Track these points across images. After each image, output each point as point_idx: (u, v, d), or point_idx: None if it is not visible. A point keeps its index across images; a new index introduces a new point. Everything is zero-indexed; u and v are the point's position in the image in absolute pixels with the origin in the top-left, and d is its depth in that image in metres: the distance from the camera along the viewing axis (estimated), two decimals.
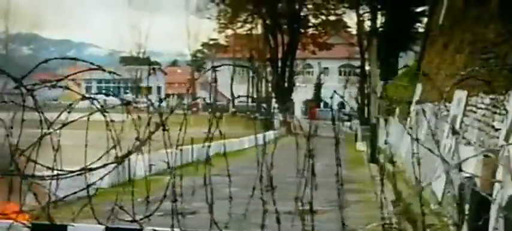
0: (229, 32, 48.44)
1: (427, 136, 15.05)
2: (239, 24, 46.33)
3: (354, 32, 55.31)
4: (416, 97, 19.14)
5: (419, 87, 19.10)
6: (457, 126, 11.08)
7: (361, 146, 29.08)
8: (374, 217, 11.50)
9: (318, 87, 64.65)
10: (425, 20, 40.58)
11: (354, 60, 54.67)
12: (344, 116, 63.27)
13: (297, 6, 43.59)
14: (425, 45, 20.44)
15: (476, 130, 9.45)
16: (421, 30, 39.80)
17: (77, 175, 4.27)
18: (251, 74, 61.43)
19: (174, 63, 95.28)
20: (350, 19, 52.89)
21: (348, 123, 54.23)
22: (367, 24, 43.81)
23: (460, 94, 11.49)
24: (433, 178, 12.49)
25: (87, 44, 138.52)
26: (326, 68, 65.42)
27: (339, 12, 44.86)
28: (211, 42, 74.99)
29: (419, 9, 38.32)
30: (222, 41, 56.12)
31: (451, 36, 14.74)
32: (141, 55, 72.87)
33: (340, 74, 68.20)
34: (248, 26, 46.71)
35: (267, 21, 42.75)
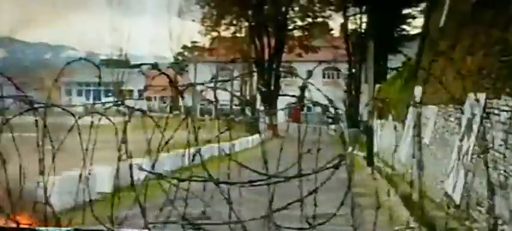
0: (214, 34, 47.98)
1: (434, 138, 14.97)
2: (224, 27, 46.00)
3: (337, 34, 55.57)
4: (415, 100, 19.07)
5: (418, 89, 19.02)
6: (475, 129, 10.96)
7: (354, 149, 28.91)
8: (390, 222, 11.39)
9: (302, 89, 64.50)
10: (414, 22, 40.97)
11: (337, 63, 54.87)
12: (328, 119, 63.50)
13: (283, 9, 43.44)
14: (422, 48, 20.39)
15: (501, 133, 9.33)
16: (411, 32, 40.14)
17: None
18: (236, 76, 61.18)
19: (155, 66, 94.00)
20: (333, 21, 53.09)
21: (333, 126, 54.30)
22: (353, 26, 44.01)
23: (476, 96, 11.37)
24: (447, 180, 12.41)
25: (65, 47, 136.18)
26: (309, 71, 65.37)
27: (325, 14, 44.85)
28: (190, 45, 74.59)
29: (406, 11, 38.60)
30: (207, 44, 55.74)
31: (457, 38, 14.65)
32: (122, 58, 72.03)
33: (323, 77, 68.33)
34: (233, 28, 46.45)
35: (253, 24, 42.53)
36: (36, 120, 4.05)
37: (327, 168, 3.67)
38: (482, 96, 10.88)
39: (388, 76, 35.60)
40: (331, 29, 52.18)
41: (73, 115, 4.37)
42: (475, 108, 11.32)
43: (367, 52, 22.92)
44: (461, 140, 11.78)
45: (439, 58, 16.66)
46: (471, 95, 11.60)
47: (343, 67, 54.32)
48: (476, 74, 12.13)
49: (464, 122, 11.91)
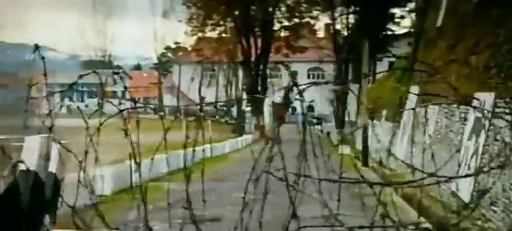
0: (201, 35, 47.67)
1: (436, 138, 14.95)
2: (211, 27, 45.75)
3: (322, 35, 55.63)
4: (412, 99, 19.08)
5: (415, 89, 19.03)
6: (485, 128, 10.94)
7: (344, 149, 28.88)
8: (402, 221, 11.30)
9: (288, 90, 64.46)
10: (402, 22, 41.16)
11: (326, 63, 55.01)
12: (313, 119, 63.56)
13: (270, 9, 43.34)
14: (417, 47, 20.41)
15: None
16: (398, 32, 40.34)
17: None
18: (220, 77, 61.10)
19: (137, 67, 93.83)
20: (318, 22, 53.16)
21: (318, 126, 54.37)
22: (340, 26, 44.09)
23: (483, 97, 11.36)
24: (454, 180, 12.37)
25: (45, 48, 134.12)
26: (295, 71, 65.51)
27: (312, 15, 44.85)
28: (174, 46, 74.13)
29: (394, 11, 38.77)
30: (194, 45, 55.38)
31: (458, 38, 14.67)
32: (105, 59, 71.33)
33: (308, 77, 68.46)
34: (220, 29, 46.22)
35: (240, 24, 42.36)
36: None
37: (492, 168, 3.58)
38: (491, 95, 10.88)
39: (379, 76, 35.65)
40: (315, 29, 52.19)
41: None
42: (483, 107, 11.31)
43: (362, 52, 22.88)
44: (468, 139, 11.76)
45: (439, 57, 16.71)
46: (478, 94, 11.60)
47: (329, 68, 54.48)
48: (482, 73, 12.15)
49: (471, 121, 11.90)
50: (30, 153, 3.13)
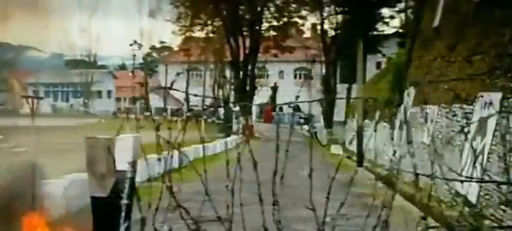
0: (189, 34, 47.39)
1: (436, 137, 14.91)
2: (199, 27, 45.53)
3: (308, 34, 55.65)
4: (409, 100, 19.09)
5: (411, 89, 19.04)
6: (491, 128, 10.91)
7: (336, 149, 28.91)
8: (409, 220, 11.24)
9: (274, 90, 64.70)
10: (392, 22, 41.29)
11: (308, 63, 55.12)
12: (300, 119, 63.63)
13: (258, 9, 43.24)
14: (412, 47, 20.42)
15: None
16: (387, 32, 40.45)
17: None
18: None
19: (122, 67, 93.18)
20: (305, 22, 53.08)
21: (305, 126, 54.35)
22: (328, 26, 44.12)
23: (489, 97, 11.33)
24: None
25: (26, 47, 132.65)
26: (281, 71, 65.68)
27: (301, 14, 44.84)
28: (159, 46, 73.84)
29: (383, 11, 38.87)
30: (181, 44, 55.10)
31: (458, 38, 14.66)
32: (88, 59, 70.78)
33: (295, 77, 68.55)
34: (207, 28, 46.01)
35: (228, 24, 42.20)
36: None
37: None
38: (497, 95, 10.86)
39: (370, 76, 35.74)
40: (302, 29, 52.22)
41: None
42: (489, 107, 11.30)
43: (357, 52, 22.86)
44: (473, 139, 11.72)
45: (437, 57, 16.70)
46: (483, 94, 11.58)
47: (316, 67, 54.54)
48: (485, 73, 12.14)
49: (475, 121, 11.86)
50: (124, 152, 3.08)
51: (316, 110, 58.78)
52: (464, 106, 12.87)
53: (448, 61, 15.00)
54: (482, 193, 10.80)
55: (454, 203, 12.19)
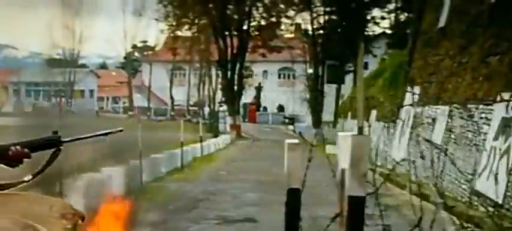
0: (178, 33, 47.08)
1: (449, 138, 15.00)
2: (187, 26, 45.23)
3: (293, 35, 55.68)
4: (411, 100, 19.16)
5: (416, 89, 19.12)
6: None
7: (332, 149, 28.89)
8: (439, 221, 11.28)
9: (258, 90, 64.68)
10: (382, 22, 41.53)
11: (293, 63, 55.24)
12: (285, 119, 63.76)
13: (246, 8, 43.14)
14: (414, 48, 20.53)
15: None
16: (377, 32, 40.67)
17: None
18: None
19: (103, 66, 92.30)
20: (290, 22, 53.05)
21: (291, 126, 54.45)
22: (316, 26, 44.23)
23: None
24: (477, 179, 12.43)
25: (2, 45, 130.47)
26: (265, 71, 65.64)
27: (289, 14, 44.85)
28: (141, 45, 73.14)
29: (374, 12, 39.08)
30: (167, 43, 54.69)
31: (471, 38, 14.78)
32: (72, 57, 69.70)
33: (279, 77, 68.59)
34: (195, 28, 45.73)
35: (216, 23, 42.00)
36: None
37: None
38: None
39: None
40: (289, 29, 52.24)
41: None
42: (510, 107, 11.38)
43: (358, 52, 22.81)
44: (495, 139, 11.80)
45: (445, 58, 16.82)
46: (504, 95, 11.67)
47: (299, 67, 54.70)
48: (502, 74, 12.28)
49: (497, 122, 11.95)
50: (344, 153, 2.97)
51: (301, 110, 58.96)
52: (481, 106, 12.96)
53: (460, 62, 15.09)
54: (508, 193, 10.87)
55: (475, 203, 12.28)
